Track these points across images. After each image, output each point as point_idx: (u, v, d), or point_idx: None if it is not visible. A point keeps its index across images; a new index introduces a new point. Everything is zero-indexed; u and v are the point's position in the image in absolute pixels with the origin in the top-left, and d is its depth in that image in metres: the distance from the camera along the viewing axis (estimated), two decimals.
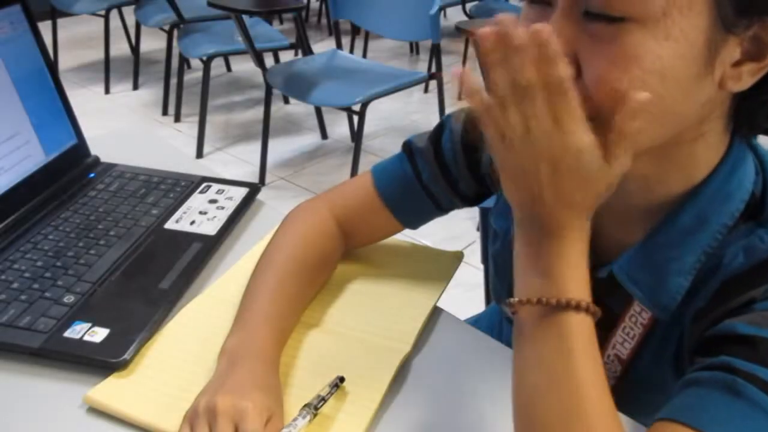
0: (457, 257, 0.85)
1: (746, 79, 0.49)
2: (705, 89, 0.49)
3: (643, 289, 0.60)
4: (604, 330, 0.66)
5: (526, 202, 0.51)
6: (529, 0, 0.52)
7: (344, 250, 0.82)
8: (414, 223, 0.81)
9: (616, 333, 0.66)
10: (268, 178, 2.77)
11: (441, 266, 0.83)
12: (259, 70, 2.69)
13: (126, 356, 0.67)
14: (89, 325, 0.70)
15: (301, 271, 0.75)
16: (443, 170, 0.76)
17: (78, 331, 0.70)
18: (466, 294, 1.16)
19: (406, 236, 0.84)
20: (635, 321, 0.64)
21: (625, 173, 0.49)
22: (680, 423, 0.48)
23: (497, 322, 1.01)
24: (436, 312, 0.77)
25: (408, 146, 0.79)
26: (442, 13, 4.57)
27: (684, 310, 0.58)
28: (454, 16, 4.30)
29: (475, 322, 1.02)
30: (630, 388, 0.66)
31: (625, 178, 0.50)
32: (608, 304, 0.62)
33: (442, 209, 0.79)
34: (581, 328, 0.50)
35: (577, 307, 0.49)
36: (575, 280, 0.51)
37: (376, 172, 0.79)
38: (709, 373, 0.50)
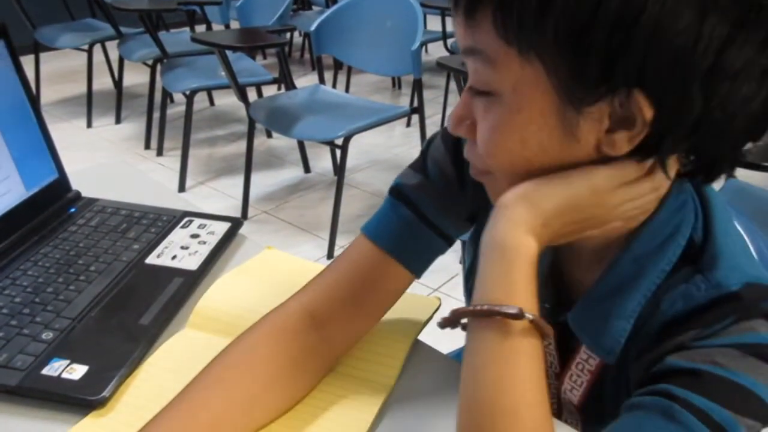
0: (434, 304, 0.83)
1: (622, 145, 0.50)
2: (582, 151, 0.51)
3: (589, 334, 0.60)
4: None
5: None
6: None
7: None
8: (423, 269, 0.73)
9: (564, 380, 0.67)
10: (250, 212, 2.77)
11: (418, 308, 0.82)
12: (242, 104, 2.71)
13: (105, 393, 0.66)
14: (68, 362, 0.70)
15: None
16: (443, 197, 0.70)
17: (56, 368, 0.69)
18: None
19: None
20: (582, 368, 0.65)
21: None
22: None
23: None
24: (418, 346, 0.77)
25: (398, 190, 0.71)
26: (424, 48, 4.64)
27: (628, 353, 0.59)
28: (436, 51, 4.36)
29: (458, 355, 1.02)
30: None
31: None
32: (572, 348, 0.66)
33: (450, 243, 0.73)
34: (522, 336, 0.50)
35: (516, 317, 0.50)
36: (518, 292, 0.51)
37: (369, 231, 0.71)
38: (649, 398, 0.52)
